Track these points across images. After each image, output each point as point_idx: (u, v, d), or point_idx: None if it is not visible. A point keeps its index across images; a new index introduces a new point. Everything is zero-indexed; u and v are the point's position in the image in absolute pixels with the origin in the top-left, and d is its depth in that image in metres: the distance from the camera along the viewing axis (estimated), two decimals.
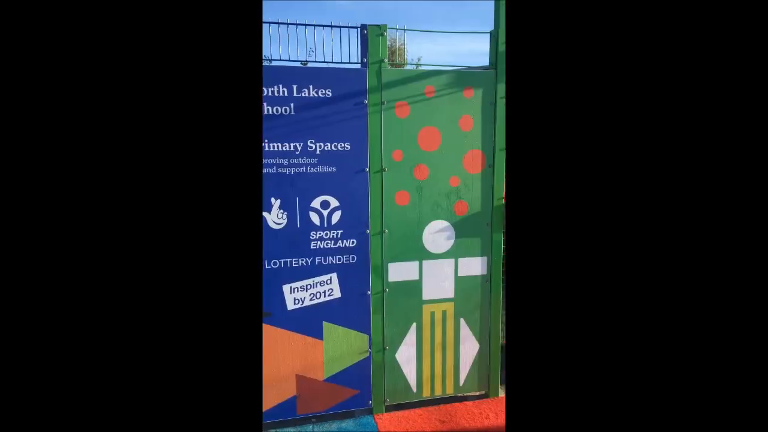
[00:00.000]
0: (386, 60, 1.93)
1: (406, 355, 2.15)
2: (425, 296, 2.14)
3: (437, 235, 2.11)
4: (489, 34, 2.05)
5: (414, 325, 2.15)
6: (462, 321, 2.20)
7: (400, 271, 2.10)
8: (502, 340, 2.30)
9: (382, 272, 2.07)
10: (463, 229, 2.13)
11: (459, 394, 2.24)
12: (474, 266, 2.17)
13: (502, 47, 2.03)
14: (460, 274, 2.17)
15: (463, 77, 2.03)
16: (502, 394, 2.28)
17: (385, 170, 2.00)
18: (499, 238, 2.18)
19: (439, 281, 2.15)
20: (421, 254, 2.11)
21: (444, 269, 2.15)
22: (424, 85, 1.99)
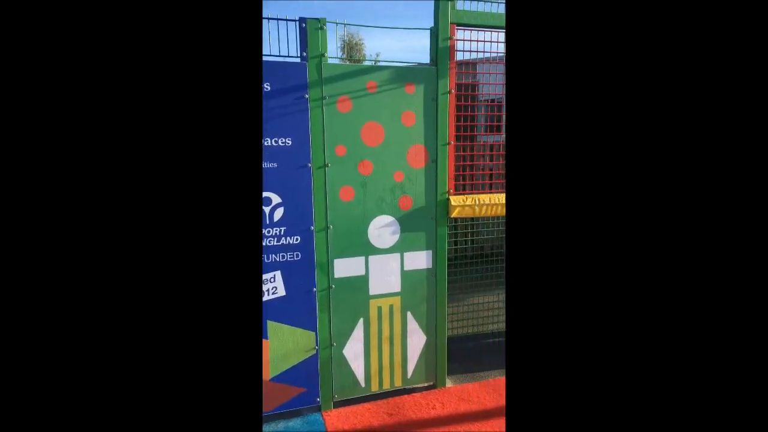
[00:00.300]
0: (325, 54, 1.91)
1: (353, 350, 2.16)
2: (372, 291, 2.15)
3: (383, 230, 2.12)
4: (429, 31, 2.07)
5: (361, 320, 2.15)
6: (409, 314, 2.23)
7: (346, 267, 2.09)
8: (448, 332, 2.35)
9: (328, 269, 2.06)
10: (408, 223, 2.16)
11: (407, 386, 2.28)
12: (419, 260, 2.21)
13: (442, 44, 2.06)
14: (406, 269, 2.19)
15: (404, 73, 2.04)
16: (449, 384, 2.34)
17: (328, 166, 1.99)
18: (444, 231, 2.22)
19: (385, 276, 2.16)
20: (367, 249, 2.11)
21: (390, 264, 2.16)
22: (366, 81, 1.99)
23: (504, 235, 3.51)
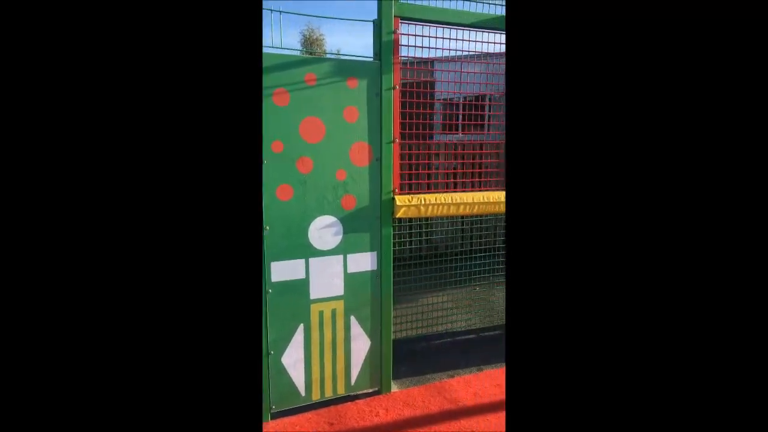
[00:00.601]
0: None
1: (293, 358, 2.05)
2: (313, 295, 2.05)
3: (324, 230, 2.02)
4: (372, 23, 1.99)
5: (301, 326, 2.05)
6: (353, 318, 2.14)
7: (284, 270, 1.98)
8: (395, 335, 2.28)
9: (264, 272, 1.94)
10: (351, 224, 2.07)
11: (351, 393, 2.19)
12: (364, 262, 2.13)
13: (386, 38, 1.98)
14: (349, 271, 2.10)
15: (345, 66, 1.95)
16: (394, 388, 2.27)
17: (264, 162, 1.86)
18: (389, 232, 2.15)
19: (327, 279, 2.06)
20: (307, 251, 2.01)
21: (332, 266, 2.07)
22: (305, 73, 1.88)
23: (456, 235, 3.50)
